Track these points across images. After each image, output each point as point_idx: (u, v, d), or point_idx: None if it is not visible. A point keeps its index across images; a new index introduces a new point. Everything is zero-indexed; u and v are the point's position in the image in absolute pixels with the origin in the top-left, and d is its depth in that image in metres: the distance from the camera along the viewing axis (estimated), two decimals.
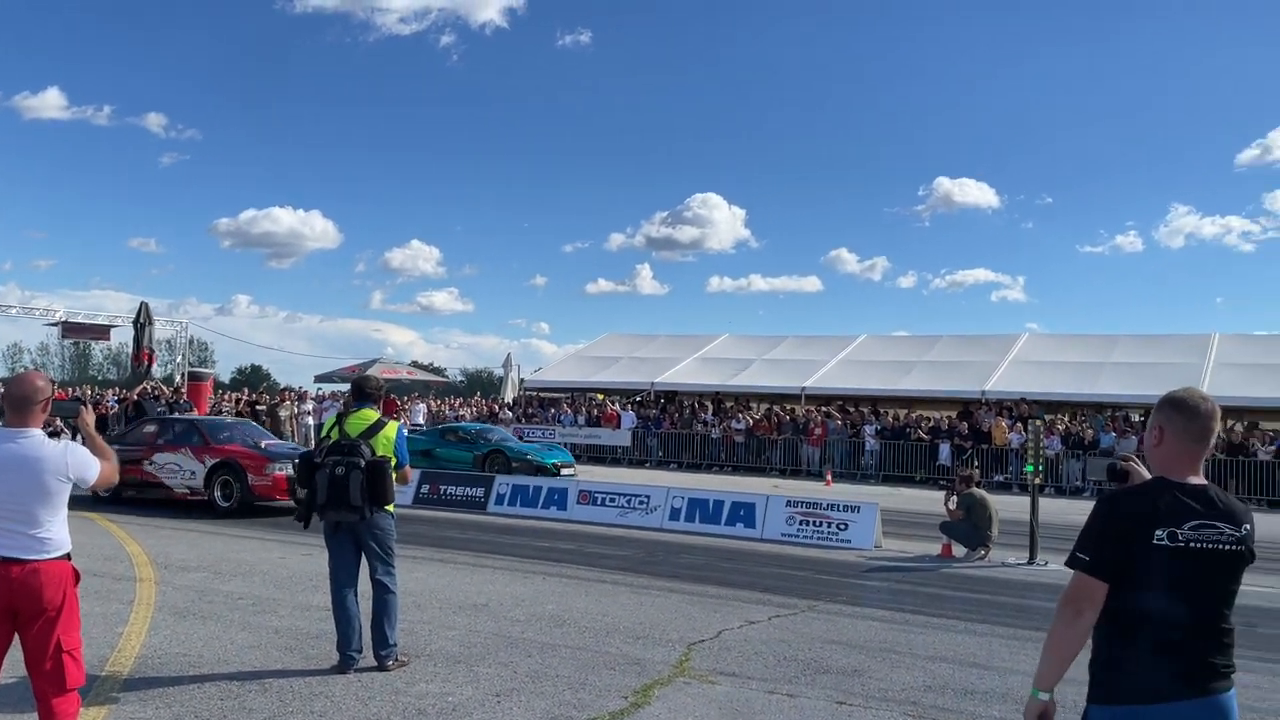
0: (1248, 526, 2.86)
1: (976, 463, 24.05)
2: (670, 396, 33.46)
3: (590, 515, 15.09)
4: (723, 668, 6.83)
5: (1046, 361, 29.71)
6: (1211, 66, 65.34)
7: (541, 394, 35.91)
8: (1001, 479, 24.44)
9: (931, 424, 27.39)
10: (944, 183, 69.75)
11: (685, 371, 33.87)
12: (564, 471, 21.53)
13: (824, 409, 29.28)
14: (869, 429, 27.29)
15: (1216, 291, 65.81)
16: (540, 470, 20.92)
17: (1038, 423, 14.11)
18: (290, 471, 14.06)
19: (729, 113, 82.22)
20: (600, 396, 34.41)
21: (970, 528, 12.67)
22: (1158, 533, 2.76)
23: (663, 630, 7.91)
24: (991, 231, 70.01)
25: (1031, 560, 12.19)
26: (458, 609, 8.49)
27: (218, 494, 14.52)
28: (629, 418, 30.52)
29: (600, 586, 9.87)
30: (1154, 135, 67.46)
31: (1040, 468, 13.38)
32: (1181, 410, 2.92)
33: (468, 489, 16.59)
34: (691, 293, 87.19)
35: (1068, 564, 2.90)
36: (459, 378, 64.65)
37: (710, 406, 31.16)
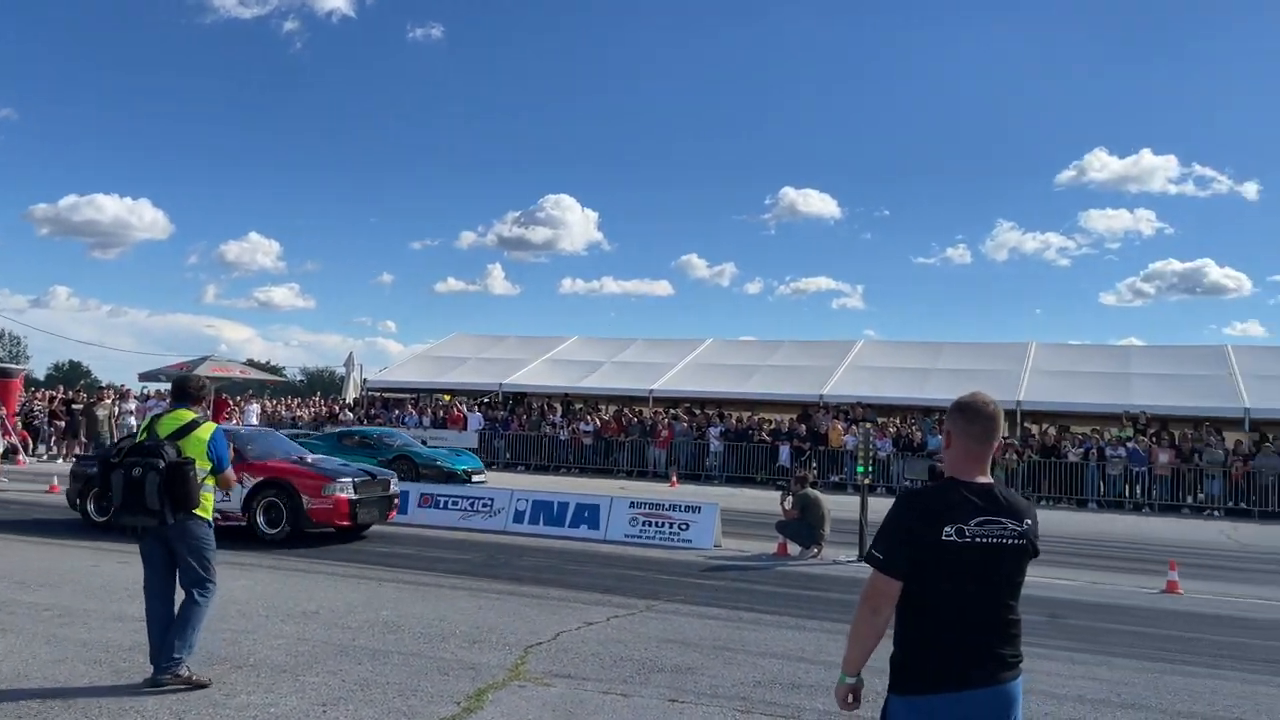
0: (1029, 522, 3.05)
1: (814, 464, 24.94)
2: (519, 398, 33.25)
3: (432, 519, 14.81)
4: (559, 669, 6.83)
5: (880, 367, 31.04)
6: (1034, 91, 69.97)
7: (385, 394, 35.06)
8: (837, 479, 25.36)
9: (773, 426, 28.21)
10: (789, 193, 72.11)
11: (534, 373, 33.73)
12: (474, 478, 20.49)
13: (671, 411, 29.73)
14: (714, 431, 27.85)
15: (1035, 303, 70.44)
16: (450, 477, 20.04)
17: (868, 425, 14.76)
18: (351, 494, 12.61)
19: (583, 115, 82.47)
20: (447, 397, 33.87)
21: (804, 527, 13.11)
22: (946, 529, 2.93)
23: (500, 634, 7.84)
24: (833, 241, 72.83)
25: (861, 557, 12.70)
26: (286, 617, 8.19)
27: (261, 520, 12.48)
28: (476, 419, 30.16)
29: (438, 591, 9.71)
30: (982, 155, 71.70)
31: (870, 469, 13.99)
32: (965, 414, 3.11)
33: None
34: (544, 294, 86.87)
35: (865, 560, 3.06)
36: (298, 377, 62.37)
37: (559, 408, 31.13)
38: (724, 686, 6.58)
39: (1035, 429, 27.20)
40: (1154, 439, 24.34)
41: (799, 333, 60.07)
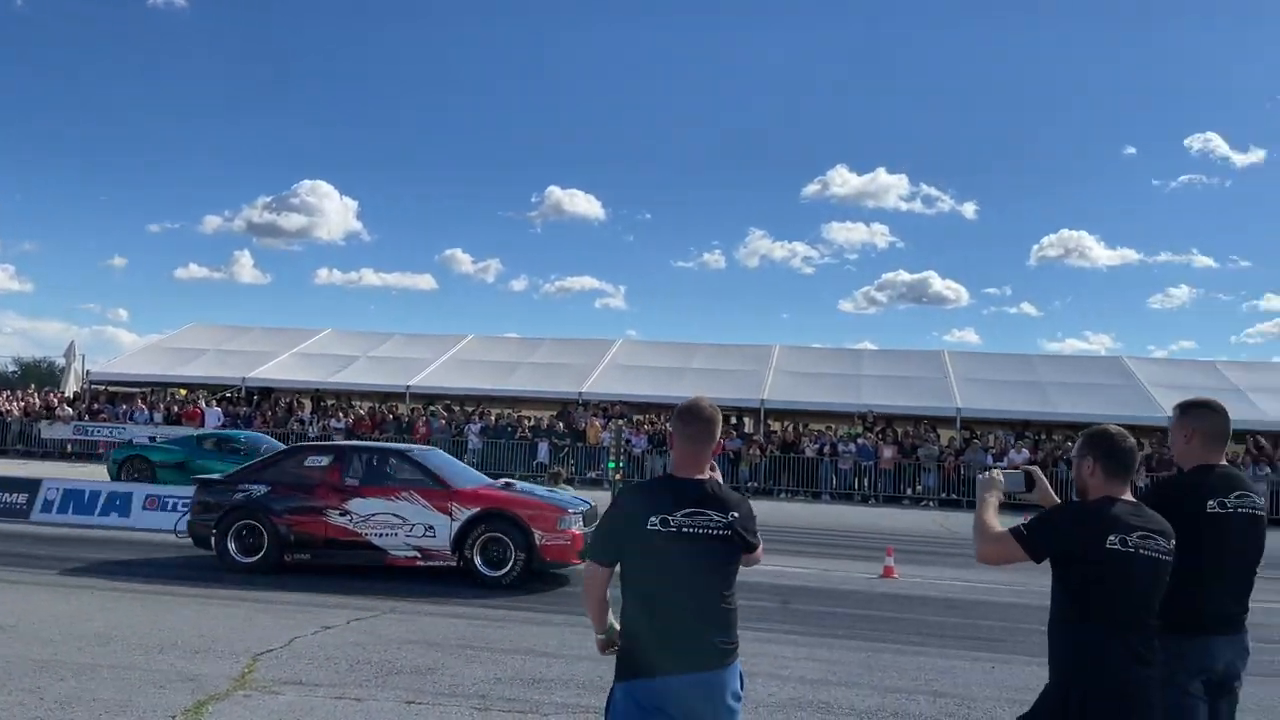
0: (736, 514, 3.23)
1: (572, 460, 25.25)
2: (265, 393, 31.52)
3: (159, 522, 13.71)
4: (289, 677, 6.53)
5: (638, 366, 31.85)
6: (786, 106, 73.96)
7: (112, 388, 32.20)
8: (594, 475, 25.78)
9: (533, 423, 28.31)
10: (555, 192, 72.07)
11: (282, 367, 32.05)
12: None
13: (430, 408, 29.20)
14: (473, 428, 27.59)
15: (782, 307, 74.35)
16: None
17: (620, 422, 15.11)
18: (582, 526, 10.57)
19: (342, 100, 78.97)
20: (182, 392, 31.55)
21: None
22: (651, 520, 3.12)
23: (227, 642, 7.39)
24: (597, 242, 73.61)
25: None
26: None
27: (478, 559, 10.46)
28: (214, 415, 28.27)
29: (160, 599, 9.03)
30: (738, 165, 74.93)
31: (623, 464, 14.33)
32: (683, 418, 3.33)
33: (4, 494, 14.43)
34: (297, 284, 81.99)
35: (582, 551, 3.20)
36: (10, 367, 56.18)
37: (308, 404, 29.77)
38: (464, 685, 6.52)
39: (777, 426, 28.82)
40: (880, 436, 26.41)
41: (563, 331, 60.49)
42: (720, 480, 3.43)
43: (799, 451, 26.10)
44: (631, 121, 72.96)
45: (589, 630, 8.27)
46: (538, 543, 10.35)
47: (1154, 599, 3.10)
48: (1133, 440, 3.23)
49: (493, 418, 28.50)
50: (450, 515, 10.59)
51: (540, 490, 12.14)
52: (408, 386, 30.41)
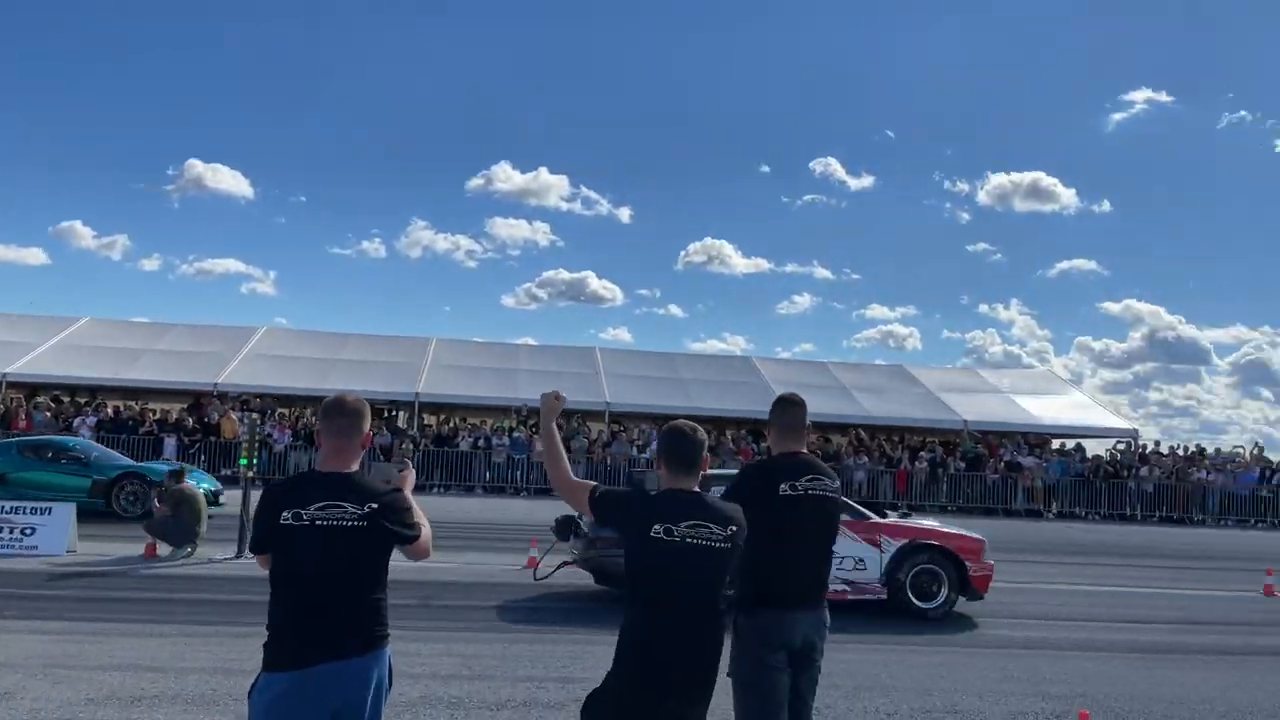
0: (374, 505, 3.16)
1: (204, 457, 23.34)
2: None
3: None
4: None
5: (283, 356, 30.08)
6: (451, 96, 73.17)
7: None
8: (229, 472, 23.97)
9: (159, 416, 25.84)
10: (197, 165, 65.68)
11: None
12: (221, 499, 16.63)
13: (35, 399, 25.74)
14: (87, 421, 24.65)
15: (444, 300, 73.37)
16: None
17: (254, 416, 14.18)
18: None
19: None
20: None
21: (178, 525, 12.16)
22: (285, 514, 3.08)
23: None
24: (245, 223, 68.30)
25: (240, 554, 12.10)
26: None
27: (910, 592, 10.19)
28: None
29: None
30: (399, 153, 72.96)
31: (257, 461, 13.43)
32: (326, 412, 3.29)
33: None
34: None
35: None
36: None
37: None
38: (46, 710, 5.75)
39: (432, 420, 28.46)
40: (533, 429, 26.89)
41: (204, 317, 55.33)
42: (407, 481, 3.37)
43: (454, 445, 25.94)
44: (287, 100, 68.80)
45: (204, 640, 7.72)
46: (970, 574, 10.39)
47: (708, 585, 3.24)
48: (697, 437, 3.45)
49: (110, 410, 25.69)
50: (879, 548, 10.32)
51: (931, 520, 11.87)
52: (4, 374, 26.62)
